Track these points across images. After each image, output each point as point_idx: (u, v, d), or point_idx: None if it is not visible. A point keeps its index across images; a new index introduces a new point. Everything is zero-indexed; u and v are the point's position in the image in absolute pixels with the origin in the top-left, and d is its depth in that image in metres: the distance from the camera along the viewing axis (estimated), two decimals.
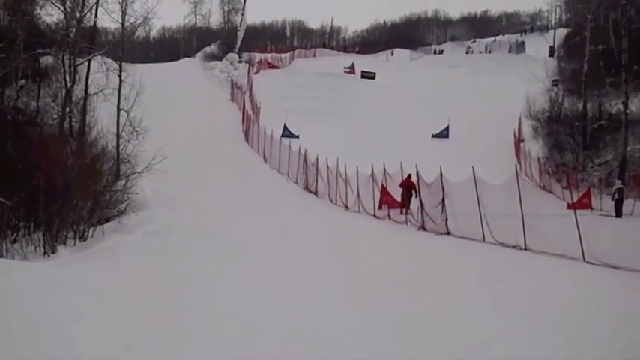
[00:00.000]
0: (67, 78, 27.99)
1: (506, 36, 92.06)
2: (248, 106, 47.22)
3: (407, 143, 37.12)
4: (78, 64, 28.44)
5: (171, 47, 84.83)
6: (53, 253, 16.87)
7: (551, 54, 61.50)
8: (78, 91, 28.75)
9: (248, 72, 58.59)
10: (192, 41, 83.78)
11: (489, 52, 78.34)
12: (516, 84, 45.68)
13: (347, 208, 26.33)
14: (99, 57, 29.34)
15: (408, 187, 23.42)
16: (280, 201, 27.64)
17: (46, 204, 17.46)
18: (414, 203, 22.37)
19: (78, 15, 29.16)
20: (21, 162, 19.77)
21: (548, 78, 44.29)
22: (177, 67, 63.01)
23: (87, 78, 29.06)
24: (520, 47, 74.97)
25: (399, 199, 24.04)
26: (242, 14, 69.26)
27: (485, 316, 8.98)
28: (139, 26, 32.57)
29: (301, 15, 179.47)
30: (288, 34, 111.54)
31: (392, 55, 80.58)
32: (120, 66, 29.55)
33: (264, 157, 38.14)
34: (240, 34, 67.63)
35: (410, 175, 23.26)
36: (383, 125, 42.79)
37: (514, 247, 15.68)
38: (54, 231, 17.49)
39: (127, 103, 28.18)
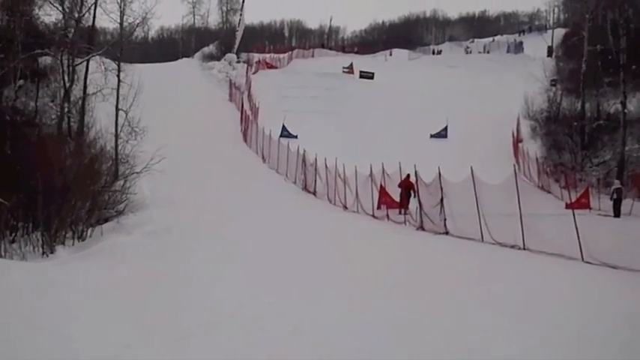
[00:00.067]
0: (66, 78, 27.99)
1: (505, 36, 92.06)
2: (246, 106, 47.22)
3: (405, 143, 37.16)
4: (76, 65, 28.44)
5: (170, 47, 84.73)
6: (52, 253, 16.85)
7: (550, 54, 61.58)
8: (76, 92, 28.75)
9: (246, 72, 58.57)
10: (190, 41, 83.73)
11: (488, 52, 78.38)
12: (515, 84, 45.69)
13: (346, 208, 26.33)
14: (97, 57, 29.34)
15: (407, 187, 23.44)
16: (279, 201, 27.65)
17: (44, 204, 17.44)
18: (413, 203, 22.38)
19: (76, 15, 29.18)
20: (19, 162, 19.75)
21: (547, 78, 44.36)
22: (176, 67, 62.97)
23: (85, 78, 29.06)
24: (518, 47, 75.01)
25: (397, 199, 24.06)
26: (240, 14, 69.26)
27: (484, 316, 8.99)
28: (137, 26, 32.68)
29: (300, 15, 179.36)
30: (286, 34, 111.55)
31: (390, 55, 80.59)
32: (118, 66, 29.55)
33: (263, 157, 38.15)
34: (239, 35, 67.63)
35: (408, 175, 23.28)
36: (381, 125, 42.81)
37: (513, 246, 15.69)
38: (52, 231, 17.47)
39: (126, 104, 28.18)
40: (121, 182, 23.60)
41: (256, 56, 68.89)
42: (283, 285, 11.55)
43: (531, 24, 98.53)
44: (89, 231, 19.35)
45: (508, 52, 74.67)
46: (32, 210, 17.95)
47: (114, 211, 22.01)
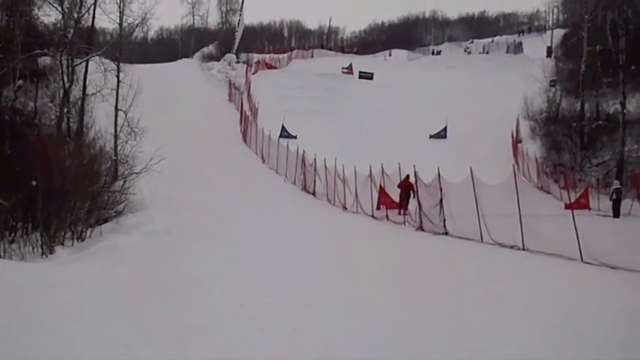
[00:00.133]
0: (65, 78, 27.97)
1: (504, 36, 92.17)
2: (246, 106, 47.23)
3: (405, 144, 37.19)
4: (76, 65, 28.42)
5: (169, 48, 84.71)
6: (51, 253, 16.85)
7: (549, 54, 61.63)
8: (76, 92, 28.72)
9: (246, 72, 58.57)
10: (190, 42, 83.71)
11: (487, 53, 78.40)
12: (514, 84, 45.70)
13: (345, 208, 26.34)
14: (97, 57, 29.33)
15: (406, 187, 23.45)
16: (278, 201, 27.66)
17: (43, 204, 17.43)
18: (412, 204, 22.39)
19: (76, 15, 29.15)
20: (19, 162, 19.74)
21: (546, 78, 44.39)
22: (175, 68, 62.95)
23: (85, 78, 29.03)
24: (518, 48, 75.07)
25: (397, 199, 24.07)
26: (240, 15, 69.27)
27: (484, 317, 8.99)
28: (136, 27, 32.63)
29: (299, 15, 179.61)
30: (286, 34, 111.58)
31: (390, 55, 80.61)
32: (118, 66, 29.52)
33: (262, 158, 38.16)
34: (238, 35, 67.63)
35: (408, 176, 23.29)
36: (381, 126, 42.83)
37: (512, 247, 15.70)
38: (52, 231, 17.47)
39: (125, 104, 28.16)
40: (121, 183, 23.59)
41: (256, 56, 68.92)
42: (283, 285, 11.55)
43: (531, 24, 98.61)
44: (88, 231, 19.35)
45: (507, 52, 74.72)
46: (31, 210, 17.94)
47: (113, 212, 22.00)
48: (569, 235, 13.94)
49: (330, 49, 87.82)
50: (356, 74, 59.35)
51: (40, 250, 16.87)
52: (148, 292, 11.03)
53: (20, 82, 27.80)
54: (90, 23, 30.45)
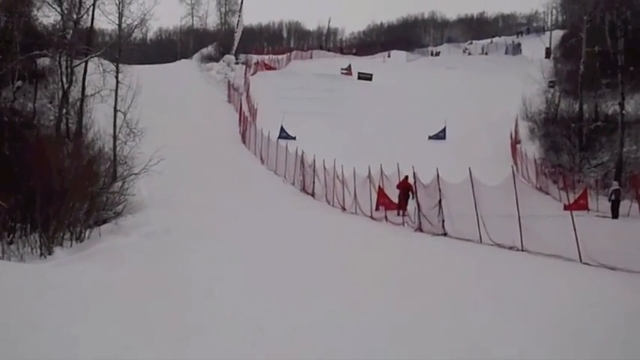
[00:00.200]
0: (64, 79, 27.98)
1: (503, 37, 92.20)
2: (245, 107, 47.21)
3: (404, 145, 37.20)
4: (75, 66, 28.42)
5: (168, 48, 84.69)
6: (50, 254, 16.82)
7: (548, 55, 61.60)
8: (75, 93, 28.73)
9: (245, 73, 58.57)
10: (189, 43, 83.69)
11: (486, 54, 78.31)
12: (513, 85, 45.70)
13: (344, 209, 26.34)
14: (96, 58, 29.33)
15: (405, 188, 23.45)
16: (277, 202, 27.66)
17: (42, 205, 17.43)
18: (411, 204, 22.39)
19: (75, 16, 29.15)
20: (17, 163, 19.73)
21: (545, 79, 44.41)
22: (174, 69, 62.93)
23: (84, 79, 29.03)
24: (516, 49, 75.07)
25: (396, 200, 24.07)
26: (239, 16, 69.27)
27: (483, 317, 9.00)
28: (135, 28, 32.62)
29: (298, 16, 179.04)
30: (285, 35, 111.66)
31: (389, 56, 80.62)
32: (117, 67, 29.51)
33: (261, 159, 38.15)
34: (237, 36, 67.62)
35: (407, 177, 23.29)
36: (380, 127, 42.81)
37: (511, 248, 15.71)
38: (50, 232, 17.45)
39: (124, 105, 28.15)
40: (120, 183, 23.58)
41: (255, 57, 68.86)
42: (282, 286, 11.56)
43: (529, 25, 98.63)
44: (87, 232, 19.34)
45: (506, 53, 74.71)
46: (30, 211, 17.94)
47: (112, 213, 21.98)
48: (568, 235, 13.96)
49: (329, 50, 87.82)
50: (355, 75, 59.35)
51: (38, 251, 16.85)
52: (147, 292, 11.03)
53: (19, 83, 27.80)
54: (89, 24, 30.49)
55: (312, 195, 30.25)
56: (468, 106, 46.16)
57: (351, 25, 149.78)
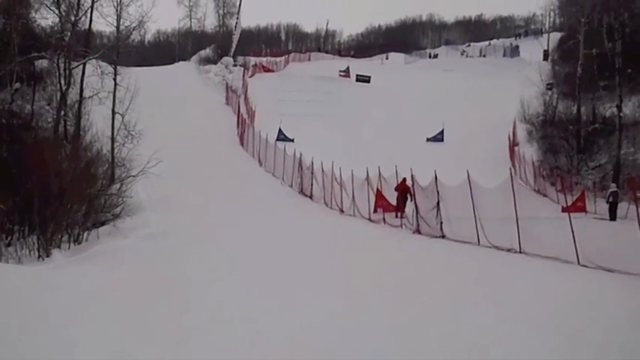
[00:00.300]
0: (62, 81, 27.95)
1: (501, 40, 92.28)
2: (243, 109, 47.20)
3: (402, 147, 37.20)
4: (73, 68, 28.40)
5: (167, 51, 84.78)
6: (47, 256, 16.78)
7: (546, 58, 61.70)
8: (73, 95, 28.69)
9: (243, 75, 58.57)
10: (187, 45, 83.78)
11: (484, 56, 78.48)
12: (511, 87, 45.82)
13: (342, 211, 26.33)
14: (94, 60, 29.29)
15: (403, 190, 23.45)
16: (275, 204, 27.64)
17: (40, 207, 17.41)
18: (409, 207, 22.39)
19: (73, 18, 29.11)
20: (15, 165, 19.71)
21: (543, 81, 44.51)
22: (172, 71, 62.95)
23: (82, 81, 28.99)
24: (514, 51, 75.17)
25: (394, 202, 24.07)
26: (237, 18, 69.24)
27: (481, 319, 9.01)
28: (133, 30, 32.53)
29: (296, 19, 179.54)
30: (283, 37, 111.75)
31: (387, 58, 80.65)
32: (115, 69, 29.47)
33: (259, 161, 38.14)
34: (235, 38, 67.62)
35: (405, 179, 23.29)
36: (378, 129, 42.81)
37: (509, 250, 15.72)
38: (48, 234, 17.42)
39: (122, 107, 28.10)
40: (118, 186, 23.54)
41: (253, 60, 68.84)
42: (280, 288, 11.56)
43: (527, 28, 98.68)
44: (85, 234, 19.31)
45: (504, 55, 74.86)
46: (28, 213, 17.92)
47: (110, 215, 21.95)
48: (565, 238, 13.97)
49: (327, 53, 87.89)
50: (353, 77, 59.36)
51: (36, 253, 16.83)
52: (145, 294, 11.03)
53: (17, 85, 27.80)
54: (87, 26, 30.42)
55: (310, 197, 30.24)
56: (466, 108, 46.19)
57: (349, 28, 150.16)
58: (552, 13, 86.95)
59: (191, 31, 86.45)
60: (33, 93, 28.97)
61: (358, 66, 65.10)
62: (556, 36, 64.59)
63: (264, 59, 72.45)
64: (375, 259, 14.95)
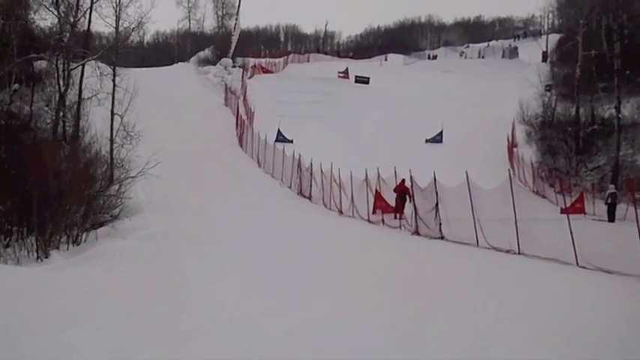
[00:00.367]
0: (61, 82, 27.94)
1: (500, 41, 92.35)
2: (242, 110, 47.20)
3: (401, 148, 37.21)
4: (72, 69, 28.39)
5: (165, 52, 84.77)
6: (46, 257, 16.78)
7: (544, 59, 61.75)
8: (71, 96, 28.67)
9: (242, 77, 58.54)
10: (186, 46, 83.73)
11: (483, 57, 78.52)
12: (509, 89, 45.83)
13: (341, 212, 26.33)
14: (93, 61, 29.27)
15: (402, 191, 23.45)
16: (274, 205, 27.64)
17: (39, 208, 17.40)
18: (408, 208, 22.40)
19: (72, 19, 29.10)
20: (14, 166, 19.71)
21: (541, 83, 44.51)
22: (171, 72, 62.95)
23: (80, 82, 28.96)
24: (513, 52, 75.19)
25: (393, 203, 24.07)
26: (236, 19, 69.24)
27: (480, 320, 9.01)
28: (132, 31, 32.48)
29: (295, 20, 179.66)
30: (282, 38, 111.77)
31: (386, 60, 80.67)
32: (114, 70, 29.45)
33: (258, 162, 38.13)
34: (234, 39, 67.61)
35: (404, 180, 23.30)
36: (377, 130, 42.85)
37: (508, 251, 15.72)
38: (47, 235, 17.41)
39: (121, 108, 28.09)
40: (116, 187, 23.52)
41: (252, 61, 68.84)
42: (278, 289, 11.56)
43: (526, 29, 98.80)
44: (84, 235, 19.29)
45: (503, 57, 74.87)
46: (27, 214, 17.91)
47: (109, 216, 21.93)
48: (564, 239, 13.99)
49: (326, 54, 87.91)
50: (352, 79, 59.40)
51: (35, 254, 16.82)
52: (144, 295, 11.03)
53: (16, 85, 27.77)
54: (86, 27, 30.42)
55: (309, 198, 30.23)
56: (464, 109, 46.23)
57: (349, 29, 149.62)
58: (551, 15, 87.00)
59: (190, 32, 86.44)
60: (32, 94, 28.92)
61: (357, 67, 65.13)
62: (555, 37, 64.66)
63: (263, 60, 72.48)
64: (374, 260, 14.95)
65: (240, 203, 26.97)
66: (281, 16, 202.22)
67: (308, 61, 77.76)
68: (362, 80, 58.38)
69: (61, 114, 27.86)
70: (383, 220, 23.39)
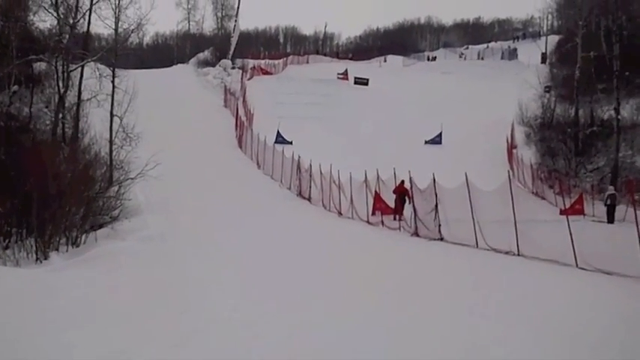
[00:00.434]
0: (60, 84, 27.92)
1: (499, 42, 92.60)
2: (241, 112, 47.21)
3: (400, 149, 37.22)
4: (71, 70, 28.37)
5: (165, 53, 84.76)
6: (45, 259, 16.78)
7: (544, 60, 61.82)
8: (71, 97, 28.66)
9: (241, 78, 58.56)
10: (185, 47, 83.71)
11: (482, 59, 78.63)
12: (509, 90, 45.83)
13: (340, 214, 26.33)
14: (92, 63, 29.25)
15: (401, 193, 23.46)
16: (273, 207, 27.63)
17: (38, 210, 17.39)
18: (407, 209, 22.40)
19: (71, 21, 29.08)
20: (13, 168, 19.68)
21: (541, 84, 44.51)
22: (171, 73, 62.97)
23: (80, 84, 28.95)
24: (512, 54, 75.30)
25: (392, 205, 24.07)
26: (235, 20, 69.28)
27: (480, 321, 9.01)
28: (132, 32, 32.44)
29: (295, 21, 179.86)
30: (281, 40, 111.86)
31: (385, 61, 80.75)
32: (113, 72, 29.44)
33: (258, 163, 38.13)
34: (234, 40, 67.65)
35: (403, 181, 23.31)
36: (376, 131, 42.85)
37: (507, 252, 15.72)
38: (46, 237, 17.40)
39: (120, 109, 28.07)
40: (116, 188, 23.52)
41: (251, 62, 68.91)
42: (278, 291, 11.55)
43: (525, 31, 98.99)
44: (83, 237, 19.27)
45: (502, 58, 74.98)
46: (26, 216, 17.89)
47: (108, 217, 21.94)
48: (564, 240, 13.99)
49: (325, 55, 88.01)
50: (351, 80, 59.45)
51: (34, 255, 16.81)
52: (143, 296, 11.02)
53: (15, 87, 27.75)
54: (85, 29, 30.41)
55: (309, 200, 30.23)
56: (464, 110, 46.26)
57: (348, 30, 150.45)
58: (550, 16, 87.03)
59: (189, 34, 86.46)
60: (31, 95, 28.90)
61: (356, 68, 65.16)
62: (554, 39, 64.67)
63: (263, 62, 72.55)
64: (373, 262, 14.95)
65: (239, 204, 26.96)
66: (280, 17, 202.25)
67: (307, 62, 77.84)
68: (361, 82, 58.43)
69: (61, 115, 27.85)
70: (382, 222, 23.40)
